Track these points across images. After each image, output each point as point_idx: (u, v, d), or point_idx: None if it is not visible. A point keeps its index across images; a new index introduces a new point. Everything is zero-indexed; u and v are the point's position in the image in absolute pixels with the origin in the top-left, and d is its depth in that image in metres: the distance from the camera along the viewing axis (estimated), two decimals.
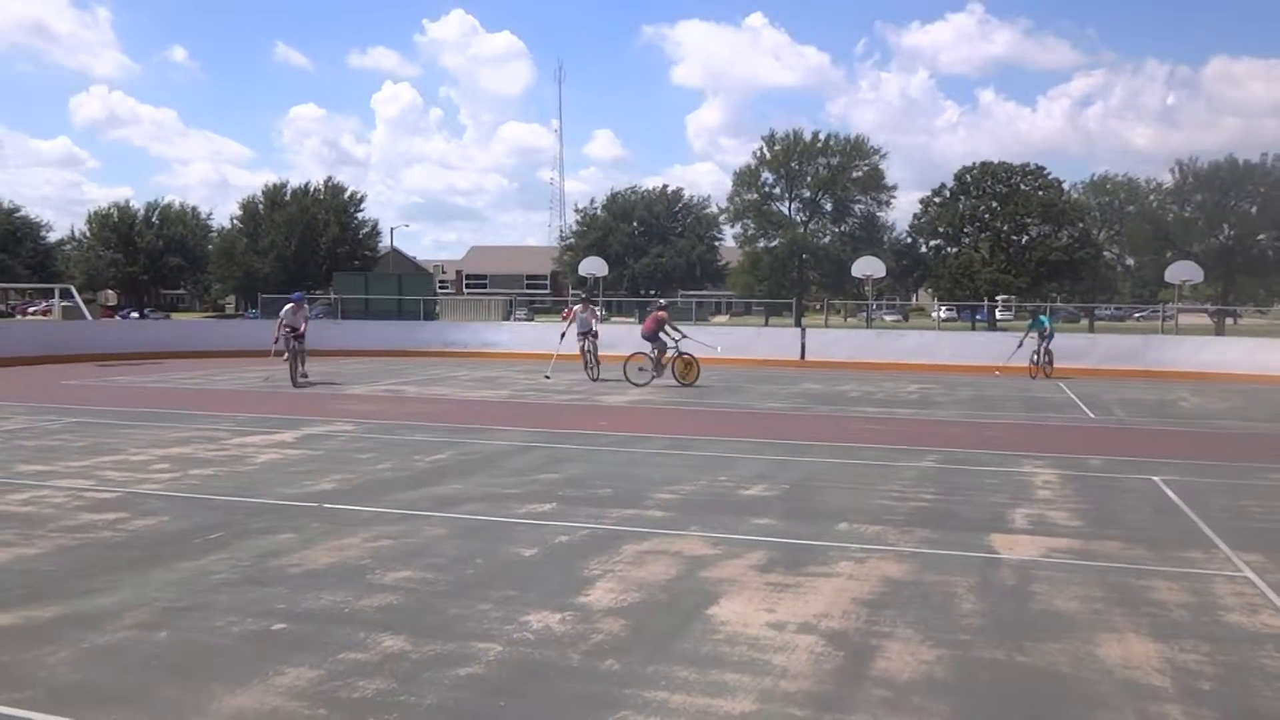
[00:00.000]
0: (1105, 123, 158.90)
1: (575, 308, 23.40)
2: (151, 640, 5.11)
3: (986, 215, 68.89)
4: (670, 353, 21.23)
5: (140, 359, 27.41)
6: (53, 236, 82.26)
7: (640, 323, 25.70)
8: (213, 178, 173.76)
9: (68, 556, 6.74)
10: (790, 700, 4.44)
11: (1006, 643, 5.27)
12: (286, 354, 20.93)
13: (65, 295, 36.67)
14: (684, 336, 21.25)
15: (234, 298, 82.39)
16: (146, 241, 77.72)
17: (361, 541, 7.23)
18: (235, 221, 76.55)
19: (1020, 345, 25.40)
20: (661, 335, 21.23)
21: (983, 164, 70.24)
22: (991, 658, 5.06)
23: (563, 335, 22.94)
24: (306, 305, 22.82)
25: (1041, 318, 25.80)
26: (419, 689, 4.49)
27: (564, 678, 4.69)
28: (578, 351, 23.01)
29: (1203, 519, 8.43)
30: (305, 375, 21.10)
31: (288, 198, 75.09)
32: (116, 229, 78.07)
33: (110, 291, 61.18)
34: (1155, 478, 10.37)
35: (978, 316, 64.39)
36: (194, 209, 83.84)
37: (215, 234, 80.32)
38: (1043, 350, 25.00)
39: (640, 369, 21.21)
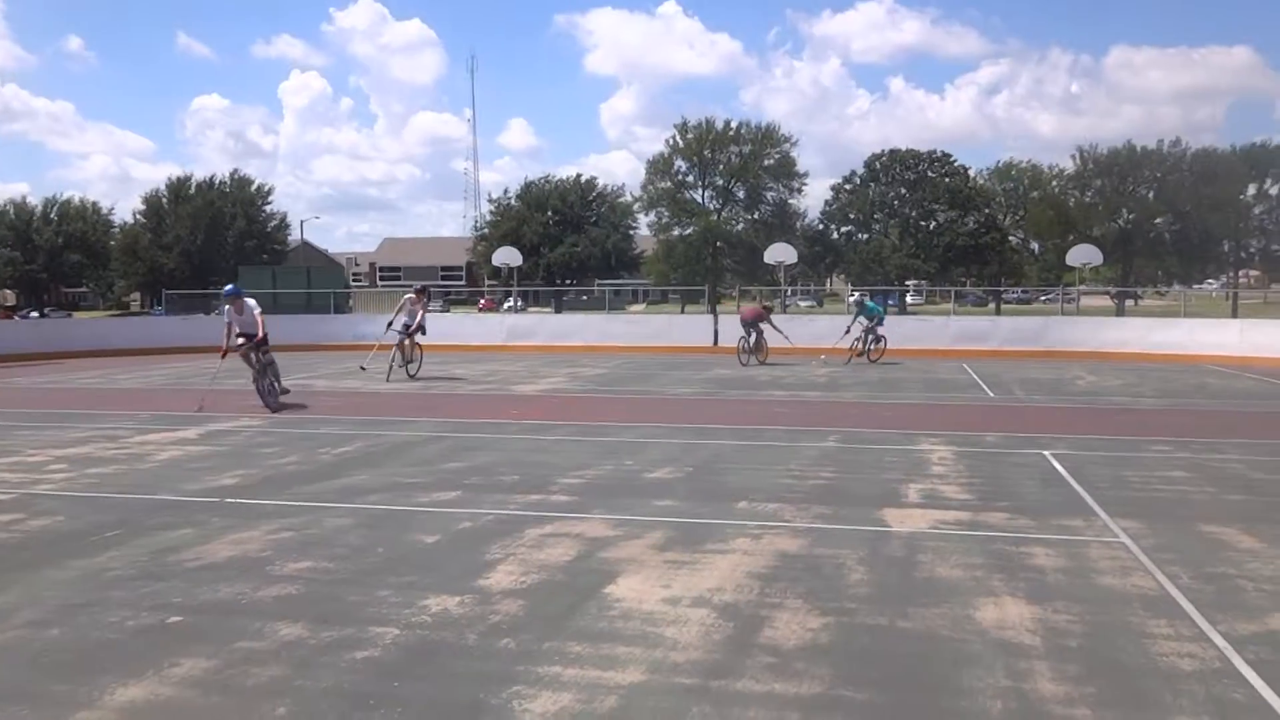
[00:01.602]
0: (1011, 110, 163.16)
1: (406, 298, 21.37)
2: (42, 638, 5.08)
3: (896, 202, 70.33)
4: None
5: (41, 359, 26.66)
6: None
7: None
8: (113, 172, 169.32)
9: None
10: (678, 670, 4.60)
11: (890, 609, 5.50)
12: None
13: None
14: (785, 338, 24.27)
15: (139, 295, 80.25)
16: (45, 239, 75.41)
17: (262, 534, 7.22)
18: (138, 216, 74.61)
19: (848, 330, 25.04)
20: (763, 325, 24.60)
21: (892, 151, 71.66)
22: (874, 623, 5.28)
23: (389, 325, 20.94)
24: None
25: (869, 304, 25.78)
26: (314, 674, 4.56)
27: (460, 657, 4.79)
28: (394, 345, 20.83)
29: (1086, 489, 8.81)
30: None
31: (192, 191, 73.40)
32: (13, 226, 75.60)
33: (8, 291, 59.32)
34: (1045, 452, 10.78)
35: (889, 301, 65.65)
36: (94, 204, 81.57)
37: (117, 230, 78.18)
38: (867, 337, 24.65)
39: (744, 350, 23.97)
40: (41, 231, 75.99)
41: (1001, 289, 67.81)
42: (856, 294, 35.49)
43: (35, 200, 79.65)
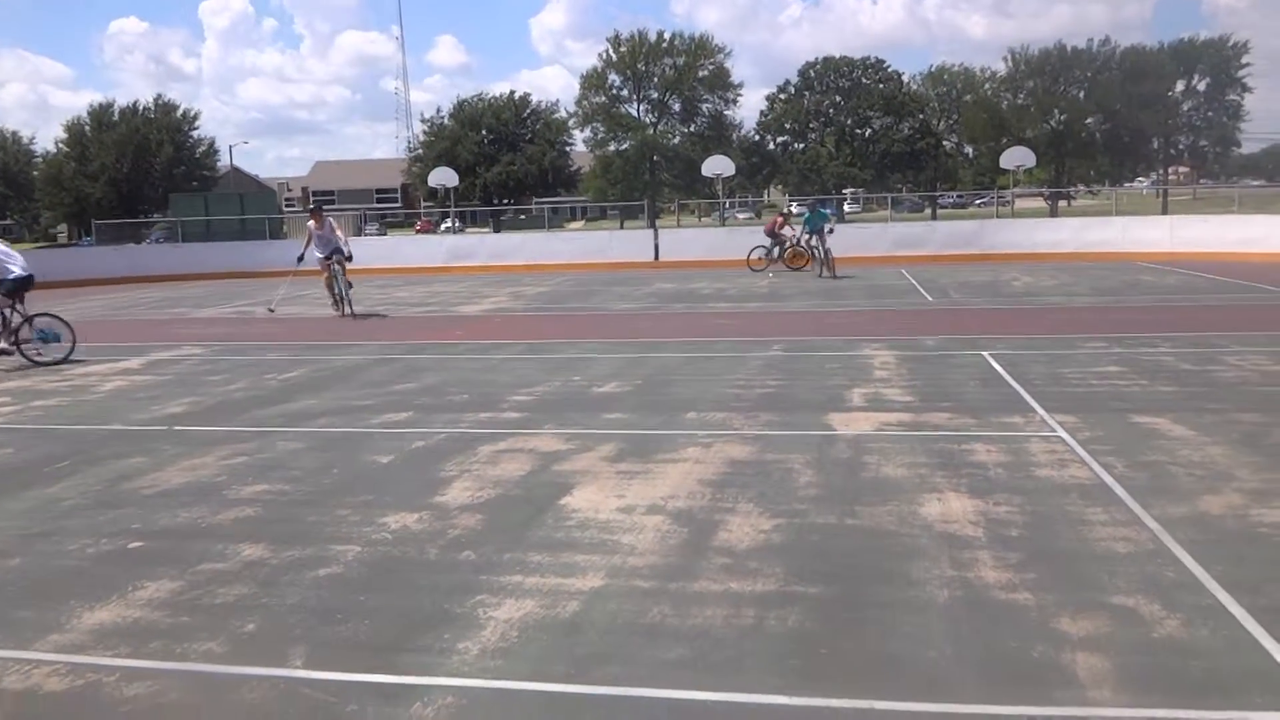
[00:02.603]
0: (942, 13, 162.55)
1: (309, 224, 18.37)
2: (4, 568, 5.10)
3: (831, 110, 70.26)
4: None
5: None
6: None
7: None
8: (30, 99, 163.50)
9: None
10: (636, 574, 4.75)
11: (838, 509, 5.69)
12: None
13: None
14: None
15: (66, 226, 78.05)
16: None
17: (216, 460, 7.24)
18: (61, 145, 72.09)
19: (796, 241, 24.66)
20: (784, 233, 25.43)
21: (825, 59, 71.46)
22: (824, 523, 5.46)
23: (300, 258, 17.94)
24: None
25: (822, 210, 24.64)
26: (280, 591, 4.64)
27: (422, 571, 4.89)
28: (324, 278, 18.26)
29: (1024, 387, 9.07)
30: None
31: (115, 118, 71.01)
32: None
33: None
34: (984, 353, 11.05)
35: (828, 210, 65.92)
36: (14, 134, 78.72)
37: (40, 160, 75.62)
38: (821, 246, 23.21)
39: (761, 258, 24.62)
40: None
41: (937, 194, 68.42)
42: (796, 205, 34.65)
43: None
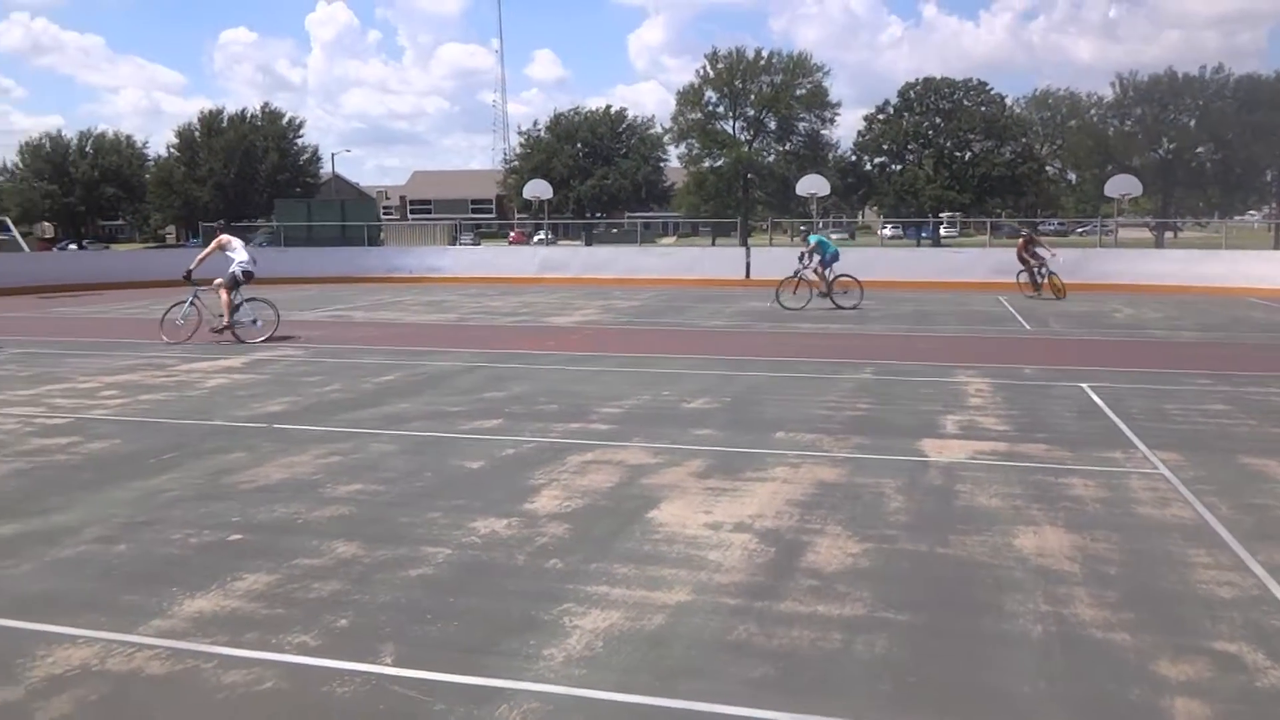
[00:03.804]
0: (1048, 36, 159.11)
1: (223, 237, 16.16)
2: (111, 553, 5.29)
3: (930, 132, 69.24)
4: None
5: (80, 290, 27.05)
6: None
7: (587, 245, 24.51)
8: (144, 105, 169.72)
9: (23, 479, 6.87)
10: (723, 591, 4.73)
11: (929, 536, 5.60)
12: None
13: (1, 228, 35.85)
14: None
15: (174, 227, 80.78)
16: (81, 172, 75.82)
17: (312, 458, 7.41)
18: (172, 150, 74.77)
19: (802, 264, 21.68)
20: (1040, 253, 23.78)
21: (926, 80, 70.42)
22: (914, 549, 5.38)
23: (237, 273, 15.50)
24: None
25: (820, 239, 22.10)
26: (372, 589, 4.73)
27: (510, 576, 4.94)
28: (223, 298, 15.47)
29: (1125, 422, 8.83)
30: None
31: (224, 125, 73.39)
32: (50, 159, 76.02)
33: (47, 224, 59.92)
34: (1084, 385, 10.78)
35: (922, 233, 65.07)
36: (128, 138, 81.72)
37: (152, 163, 78.42)
38: (826, 272, 21.36)
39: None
40: (77, 165, 76.38)
41: (1038, 221, 67.02)
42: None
43: (70, 134, 79.99)
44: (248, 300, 15.35)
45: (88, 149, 78.59)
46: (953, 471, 7.10)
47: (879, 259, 31.06)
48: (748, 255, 30.91)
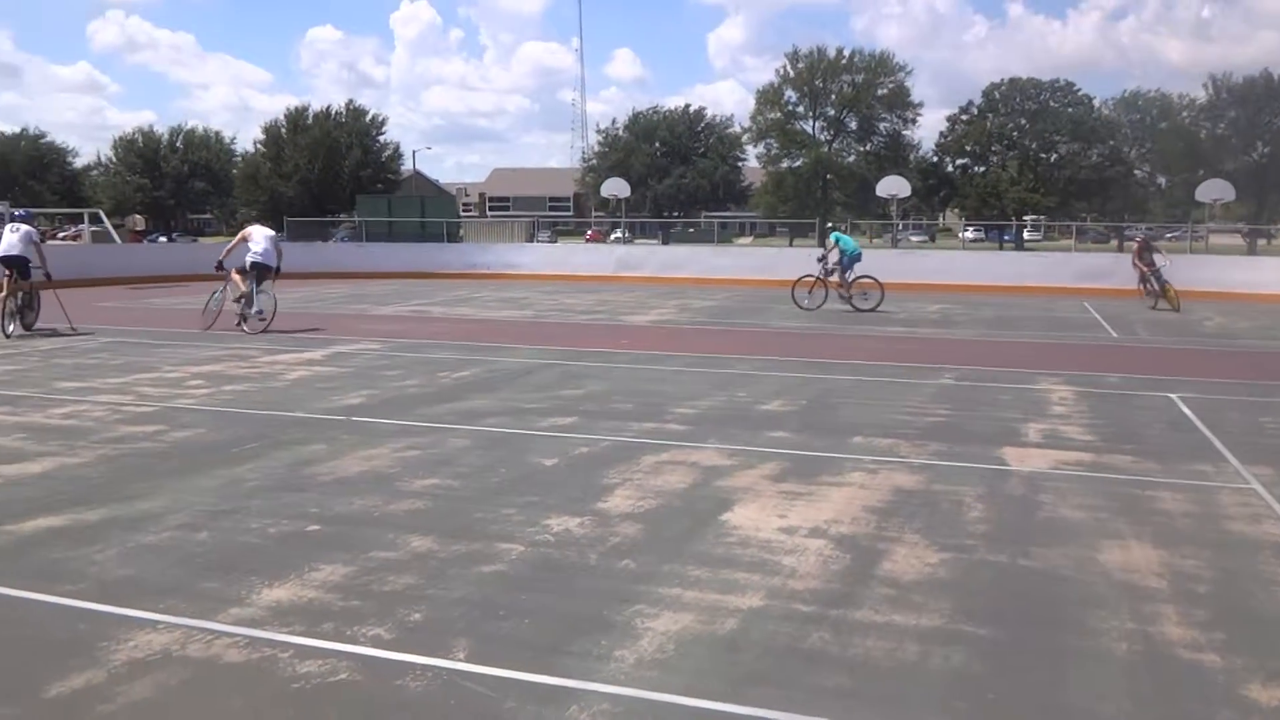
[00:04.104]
0: (1138, 36, 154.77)
1: (247, 229, 16.98)
2: (193, 540, 5.39)
3: (1015, 133, 68.09)
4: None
5: (169, 281, 27.75)
6: (79, 162, 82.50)
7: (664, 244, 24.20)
8: (233, 102, 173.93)
9: (110, 465, 7.05)
10: (797, 597, 4.66)
11: (1010, 547, 5.46)
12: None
13: (95, 220, 36.97)
14: None
15: (260, 222, 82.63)
16: (172, 166, 77.92)
17: (390, 452, 7.50)
18: (258, 146, 76.44)
19: (821, 262, 21.16)
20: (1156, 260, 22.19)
21: (1011, 80, 69.28)
22: (995, 560, 5.26)
23: (247, 262, 16.14)
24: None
25: (840, 237, 21.71)
26: (446, 584, 4.76)
27: (582, 575, 4.93)
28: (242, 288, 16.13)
29: (1215, 434, 8.54)
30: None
31: (309, 121, 74.82)
32: (142, 154, 78.23)
33: (138, 216, 61.35)
34: (1173, 395, 10.46)
35: (1005, 237, 63.90)
36: (217, 134, 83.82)
37: (239, 158, 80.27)
38: (848, 274, 20.74)
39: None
40: (168, 159, 78.50)
41: (1125, 225, 65.40)
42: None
43: (161, 129, 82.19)
44: (258, 292, 15.86)
45: (178, 144, 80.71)
46: (1035, 481, 6.93)
47: (960, 262, 30.63)
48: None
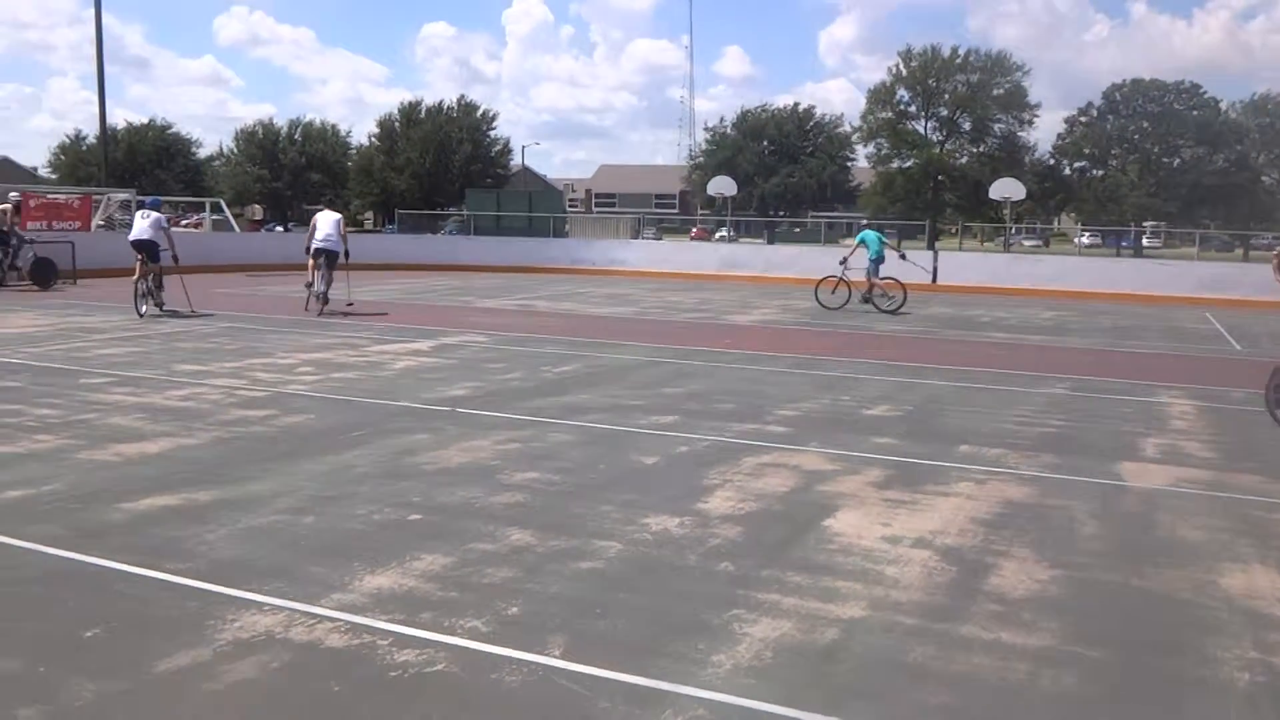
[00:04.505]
0: (1268, 37, 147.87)
1: (316, 217, 17.89)
2: (300, 524, 5.50)
3: (1136, 136, 65.86)
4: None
5: (284, 269, 28.50)
6: (202, 153, 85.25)
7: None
8: (349, 95, 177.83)
9: (223, 447, 7.25)
10: (900, 609, 4.54)
11: (1125, 567, 5.25)
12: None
13: (215, 209, 38.20)
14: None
15: (372, 214, 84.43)
16: (289, 158, 79.90)
17: (492, 444, 7.55)
18: (372, 139, 78.14)
19: (844, 265, 20.79)
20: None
21: (1133, 81, 66.99)
22: (1108, 580, 5.05)
23: (308, 249, 17.43)
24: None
25: (866, 236, 21.19)
26: (543, 579, 4.76)
27: (680, 576, 4.88)
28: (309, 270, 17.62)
29: None
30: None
31: (422, 116, 76.21)
32: (261, 146, 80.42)
33: (257, 206, 63.30)
34: None
35: (1123, 243, 61.80)
36: (333, 126, 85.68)
37: (354, 151, 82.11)
38: (868, 269, 20.46)
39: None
40: (286, 151, 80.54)
41: (1251, 234, 62.71)
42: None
43: (281, 122, 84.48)
44: (324, 276, 17.03)
45: (296, 136, 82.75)
46: (1152, 498, 6.65)
47: (1075, 268, 29.73)
48: (934, 259, 30.02)
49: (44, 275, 21.16)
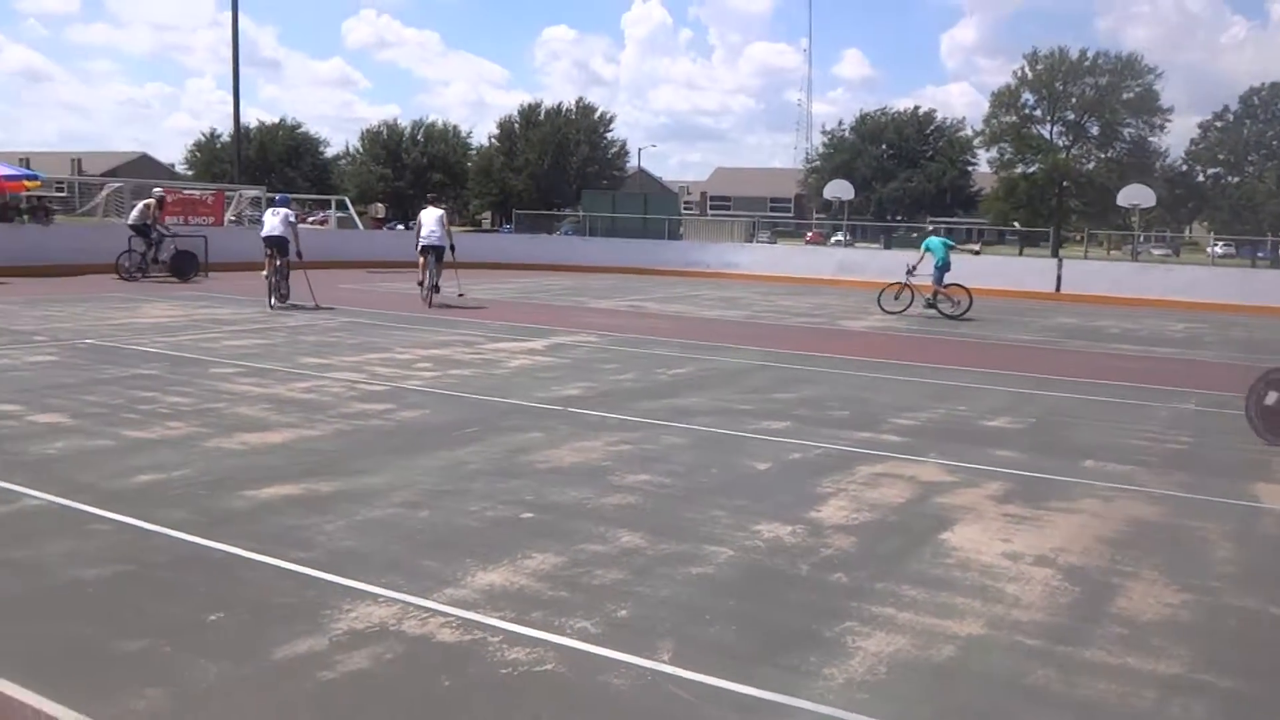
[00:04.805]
0: None
1: (421, 215, 18.96)
2: (415, 518, 5.59)
3: (1275, 141, 62.95)
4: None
5: (405, 267, 29.10)
6: (329, 152, 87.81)
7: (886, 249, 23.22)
8: (471, 97, 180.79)
9: (343, 440, 7.42)
10: (1020, 629, 4.39)
11: (1261, 593, 4.98)
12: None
13: (340, 206, 39.29)
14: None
15: (490, 214, 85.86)
16: (412, 158, 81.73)
17: (604, 445, 7.57)
18: (492, 140, 79.48)
19: (914, 269, 20.26)
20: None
21: (1272, 85, 64.14)
22: (1243, 606, 4.81)
23: (418, 246, 18.43)
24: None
25: (932, 243, 20.58)
26: (653, 582, 4.73)
27: (791, 586, 4.81)
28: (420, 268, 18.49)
29: None
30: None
31: (541, 118, 77.21)
32: (385, 146, 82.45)
33: (380, 204, 64.92)
34: None
35: (1260, 254, 59.11)
36: (455, 128, 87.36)
37: (474, 152, 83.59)
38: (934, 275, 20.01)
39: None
40: (409, 151, 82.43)
41: None
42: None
43: (404, 122, 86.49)
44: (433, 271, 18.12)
45: (419, 137, 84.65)
46: None
47: (1209, 279, 28.53)
48: (1059, 267, 29.17)
49: (184, 268, 22.24)
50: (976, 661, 4.04)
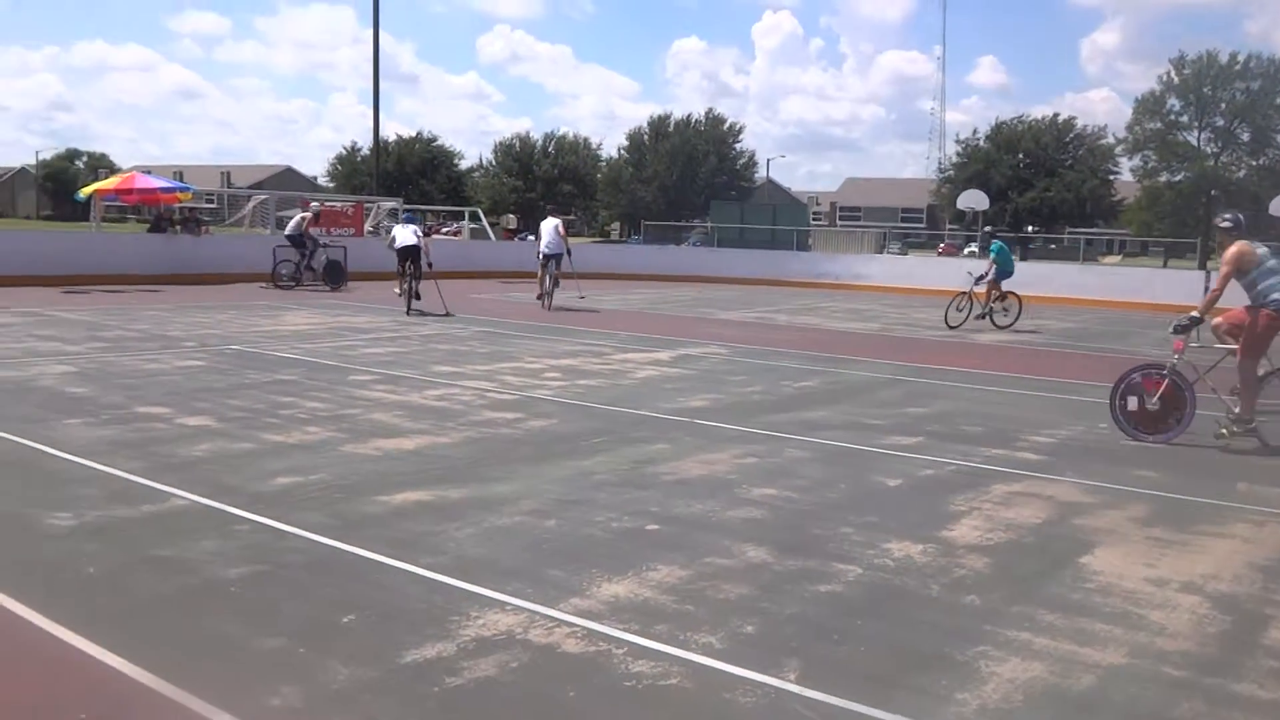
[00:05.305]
0: None
1: (541, 225, 20.41)
2: (541, 526, 5.65)
3: None
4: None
5: (535, 277, 29.59)
6: (463, 164, 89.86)
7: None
8: (601, 110, 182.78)
9: (473, 447, 7.56)
10: (1165, 659, 4.19)
11: None
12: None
13: (473, 218, 40.19)
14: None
15: (619, 225, 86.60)
16: (543, 170, 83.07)
17: (729, 457, 7.53)
18: (622, 152, 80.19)
19: (984, 277, 19.71)
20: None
21: None
22: None
23: (538, 255, 20.18)
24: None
25: (999, 250, 19.92)
26: (780, 599, 4.67)
27: (923, 607, 4.69)
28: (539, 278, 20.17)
29: None
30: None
31: (670, 129, 77.57)
32: (518, 158, 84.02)
33: (511, 216, 66.16)
34: None
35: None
36: (585, 140, 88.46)
37: (604, 164, 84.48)
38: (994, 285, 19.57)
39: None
40: (540, 163, 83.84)
41: None
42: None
43: (536, 135, 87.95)
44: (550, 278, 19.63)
45: (550, 149, 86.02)
46: None
47: None
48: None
49: (335, 277, 23.25)
50: (1118, 692, 3.87)
